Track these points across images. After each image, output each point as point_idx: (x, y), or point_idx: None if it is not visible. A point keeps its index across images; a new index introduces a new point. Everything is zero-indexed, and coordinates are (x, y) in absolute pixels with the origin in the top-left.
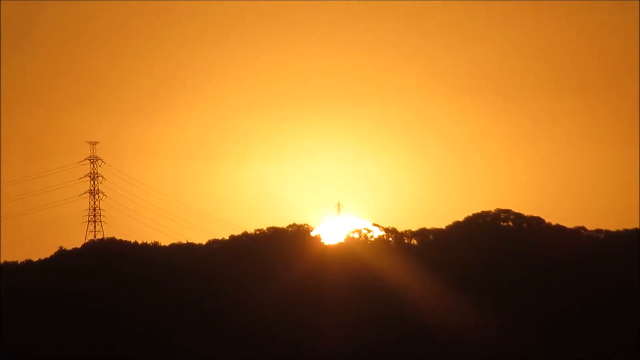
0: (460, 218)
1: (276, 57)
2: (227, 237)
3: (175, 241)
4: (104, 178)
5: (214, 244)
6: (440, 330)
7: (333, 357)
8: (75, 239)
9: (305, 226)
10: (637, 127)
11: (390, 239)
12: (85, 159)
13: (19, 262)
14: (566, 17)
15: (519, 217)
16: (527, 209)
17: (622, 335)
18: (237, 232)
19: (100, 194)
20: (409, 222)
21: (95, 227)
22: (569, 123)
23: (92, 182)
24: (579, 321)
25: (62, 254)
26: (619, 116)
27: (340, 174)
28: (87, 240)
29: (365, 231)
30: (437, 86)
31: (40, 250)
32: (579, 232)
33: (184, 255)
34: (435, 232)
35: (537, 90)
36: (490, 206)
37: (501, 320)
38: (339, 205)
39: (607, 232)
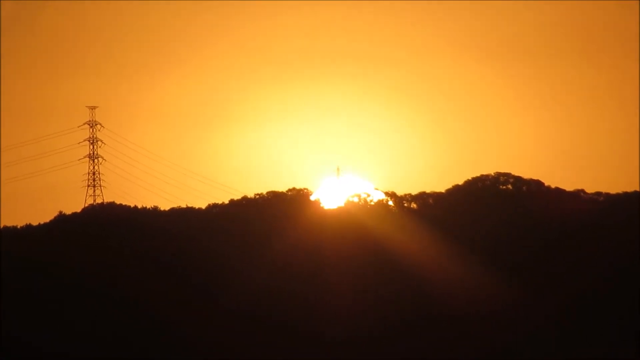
0: (460, 182)
1: (273, 20)
2: (226, 202)
3: (175, 205)
4: (103, 142)
5: (213, 209)
6: (443, 295)
7: (336, 331)
8: (74, 204)
9: (305, 190)
10: (636, 89)
11: (390, 202)
12: (84, 123)
13: (18, 227)
14: None
15: (518, 180)
16: (526, 172)
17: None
18: (237, 196)
19: (99, 159)
20: (408, 186)
21: (94, 191)
22: (569, 86)
23: (91, 147)
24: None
25: (61, 218)
26: (618, 78)
27: (339, 138)
28: (86, 205)
29: (365, 195)
30: (436, 49)
31: (40, 214)
32: (578, 195)
33: (183, 220)
34: (435, 196)
35: (536, 53)
36: (490, 169)
37: (503, 287)
38: (338, 169)
39: (607, 194)
